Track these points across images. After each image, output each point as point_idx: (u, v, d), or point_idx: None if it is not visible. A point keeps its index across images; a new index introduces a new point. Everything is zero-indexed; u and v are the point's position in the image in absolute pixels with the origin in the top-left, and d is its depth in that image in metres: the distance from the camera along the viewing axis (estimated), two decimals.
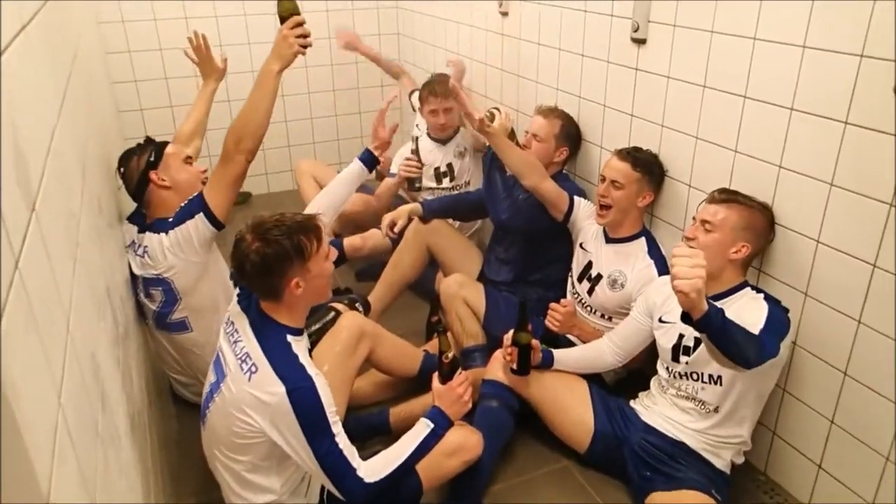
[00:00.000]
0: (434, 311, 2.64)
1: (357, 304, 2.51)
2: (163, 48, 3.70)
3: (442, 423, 1.74)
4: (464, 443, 1.78)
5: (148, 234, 2.04)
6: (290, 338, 1.57)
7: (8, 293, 0.63)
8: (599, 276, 2.26)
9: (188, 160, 2.17)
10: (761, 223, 1.80)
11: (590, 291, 2.29)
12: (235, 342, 1.59)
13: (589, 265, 2.30)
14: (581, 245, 2.36)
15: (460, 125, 3.14)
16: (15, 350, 0.62)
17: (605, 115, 2.46)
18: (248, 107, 1.94)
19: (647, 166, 2.15)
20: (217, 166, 1.98)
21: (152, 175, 2.07)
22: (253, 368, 1.51)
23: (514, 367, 2.00)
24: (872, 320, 1.62)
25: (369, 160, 2.24)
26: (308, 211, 2.01)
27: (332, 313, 2.27)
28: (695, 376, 1.84)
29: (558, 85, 2.69)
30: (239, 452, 1.56)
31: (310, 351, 2.09)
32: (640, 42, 2.21)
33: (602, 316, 2.27)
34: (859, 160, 1.58)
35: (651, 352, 2.06)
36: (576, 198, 2.37)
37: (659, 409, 1.95)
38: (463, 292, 2.41)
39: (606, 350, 2.08)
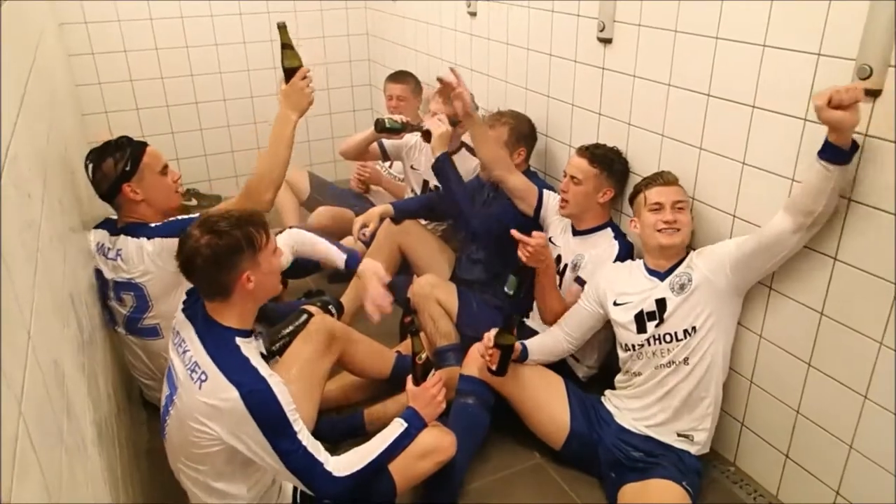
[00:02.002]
0: (407, 312, 2.64)
1: (330, 307, 2.49)
2: (127, 50, 3.64)
3: (416, 424, 1.74)
4: (437, 444, 1.78)
5: (123, 237, 2.00)
6: (238, 340, 1.53)
7: None
8: (566, 267, 2.29)
9: (164, 170, 2.09)
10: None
11: (560, 284, 2.31)
12: (184, 352, 1.55)
13: (558, 259, 2.32)
14: (550, 239, 2.37)
15: (459, 147, 2.94)
16: None
17: (573, 113, 2.48)
18: (269, 157, 2.05)
19: (606, 162, 2.18)
20: (238, 200, 2.07)
21: (125, 188, 2.00)
22: (203, 376, 1.47)
23: (493, 367, 1.99)
24: (834, 312, 1.66)
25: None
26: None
27: (305, 316, 2.25)
28: (668, 338, 1.88)
29: (527, 84, 2.71)
30: (199, 462, 1.54)
31: (281, 353, 2.10)
32: (607, 41, 2.24)
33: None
34: None
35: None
36: (545, 191, 2.39)
37: (626, 406, 2.00)
38: (435, 292, 2.42)
39: (560, 337, 2.13)
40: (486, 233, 2.45)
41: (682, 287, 1.87)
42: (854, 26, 1.48)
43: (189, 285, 1.66)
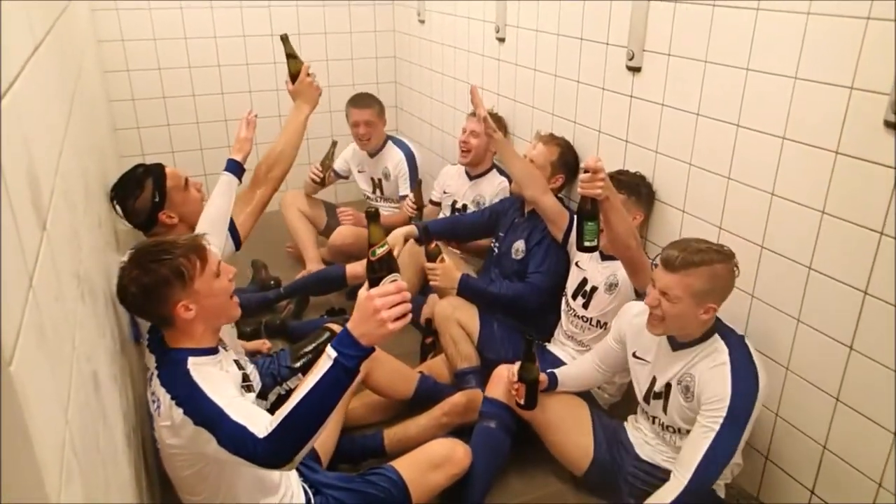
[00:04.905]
0: (427, 333, 2.65)
1: None
2: (161, 67, 3.73)
3: (347, 352, 1.28)
4: (449, 455, 1.76)
5: None
6: (191, 360, 1.49)
7: (23, 312, 0.64)
8: (594, 289, 2.28)
9: (186, 184, 2.14)
10: (724, 275, 1.67)
11: (585, 305, 2.30)
12: (150, 385, 1.54)
13: (583, 282, 2.32)
14: (577, 263, 2.37)
15: (490, 168, 3.03)
16: (29, 368, 0.62)
17: (599, 140, 2.49)
18: (282, 143, 2.28)
19: (632, 188, 2.18)
20: (246, 190, 2.23)
21: (161, 217, 2.06)
22: (157, 403, 1.47)
23: (521, 402, 1.97)
24: (864, 347, 1.65)
25: (235, 169, 2.18)
26: (199, 228, 2.03)
27: (327, 334, 2.27)
28: (671, 429, 1.85)
29: (554, 110, 2.73)
30: (194, 489, 1.52)
31: (304, 371, 2.11)
32: (635, 70, 2.25)
33: (598, 323, 2.28)
34: (850, 189, 1.62)
35: None
36: (576, 216, 2.39)
37: (644, 437, 1.97)
38: (457, 314, 2.43)
39: (591, 367, 2.11)
40: (551, 288, 2.44)
41: (686, 388, 1.77)
42: (888, 60, 1.48)
43: None
